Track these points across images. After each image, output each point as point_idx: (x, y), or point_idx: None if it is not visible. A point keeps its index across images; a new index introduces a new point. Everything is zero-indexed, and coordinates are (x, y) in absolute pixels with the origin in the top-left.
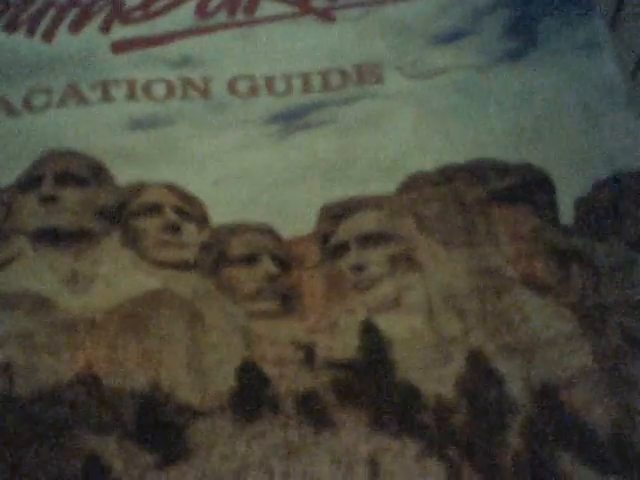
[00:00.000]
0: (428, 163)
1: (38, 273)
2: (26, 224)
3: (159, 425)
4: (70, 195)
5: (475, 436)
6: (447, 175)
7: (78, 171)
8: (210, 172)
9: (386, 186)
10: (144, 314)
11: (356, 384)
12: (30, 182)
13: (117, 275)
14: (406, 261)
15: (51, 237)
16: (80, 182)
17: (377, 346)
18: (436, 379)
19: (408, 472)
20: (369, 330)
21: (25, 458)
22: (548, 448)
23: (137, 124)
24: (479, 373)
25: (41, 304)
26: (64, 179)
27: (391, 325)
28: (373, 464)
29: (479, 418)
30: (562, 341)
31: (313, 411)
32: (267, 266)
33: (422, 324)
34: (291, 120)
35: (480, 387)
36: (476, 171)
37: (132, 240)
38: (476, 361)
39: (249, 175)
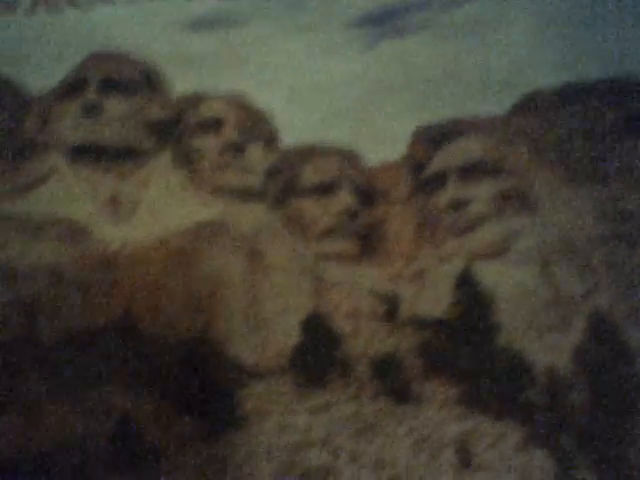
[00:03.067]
0: (549, 80)
1: (74, 196)
2: (64, 138)
3: (205, 386)
4: (117, 105)
5: (595, 421)
6: (572, 95)
7: (127, 77)
8: (283, 83)
9: (496, 107)
10: (194, 250)
11: (448, 349)
12: (71, 88)
13: (165, 202)
14: (517, 200)
15: (92, 154)
16: (129, 90)
17: (476, 303)
18: (550, 348)
19: (507, 464)
20: (467, 282)
21: (44, 412)
22: None
23: (199, 23)
24: (604, 343)
25: (75, 233)
26: (111, 86)
27: (495, 278)
28: (463, 451)
29: (602, 399)
30: None
31: (393, 380)
32: (345, 199)
33: (534, 278)
34: (382, 23)
35: (605, 360)
36: (610, 90)
37: (186, 161)
38: (601, 328)
39: (329, 88)
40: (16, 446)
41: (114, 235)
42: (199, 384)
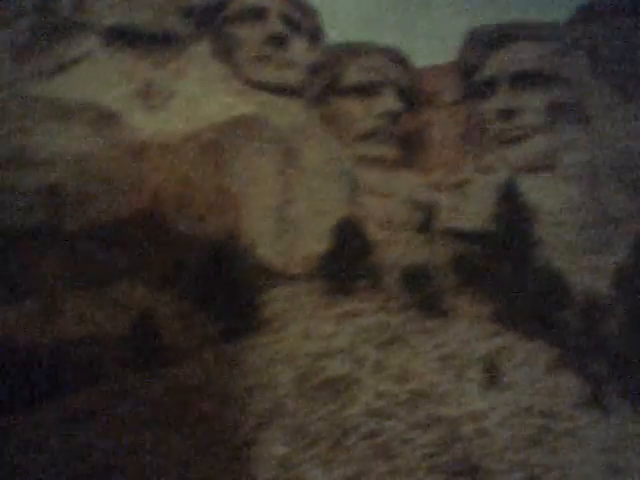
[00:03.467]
0: None
1: (106, 81)
2: (100, 19)
3: (229, 285)
4: None
5: (629, 348)
6: (635, 3)
7: None
8: None
9: (555, 12)
10: (228, 144)
11: (483, 263)
12: None
13: (201, 92)
14: (571, 112)
15: (128, 38)
16: None
17: (518, 218)
18: (590, 269)
19: (535, 384)
20: (510, 195)
21: (63, 303)
22: None
23: None
24: None
25: (105, 119)
26: None
27: (540, 192)
28: (491, 368)
29: (638, 327)
30: None
31: (423, 292)
32: (389, 100)
33: (581, 195)
34: None
35: None
36: None
37: (225, 51)
38: None
39: None
40: (33, 335)
41: (145, 124)
42: (223, 284)
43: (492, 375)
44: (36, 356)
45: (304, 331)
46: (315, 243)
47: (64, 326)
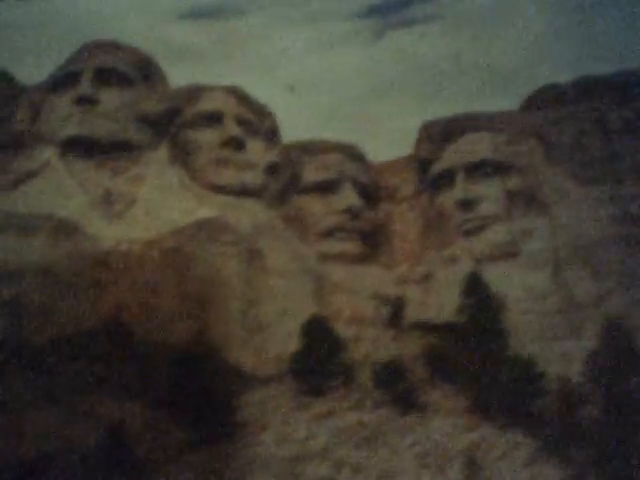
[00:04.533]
0: (562, 74)
1: (65, 192)
2: (56, 131)
3: (200, 393)
4: (111, 97)
5: (610, 436)
6: (586, 90)
7: (123, 68)
8: (284, 75)
9: (506, 101)
10: (191, 250)
11: (455, 356)
12: (64, 79)
13: (161, 199)
14: (528, 199)
15: (85, 148)
16: (124, 81)
17: (485, 308)
18: (561, 356)
19: (516, 477)
20: (475, 286)
21: (29, 420)
22: None
23: (198, 13)
24: (619, 351)
25: (65, 230)
26: (106, 77)
27: (505, 281)
28: (471, 464)
29: (616, 410)
30: None
31: (397, 388)
32: (349, 196)
33: (545, 282)
34: (388, 14)
35: (619, 369)
36: (624, 86)
37: (183, 156)
38: (615, 335)
39: (332, 81)
40: None
41: (107, 233)
42: (193, 391)
43: (471, 471)
44: (1, 477)
45: (279, 435)
46: (284, 343)
47: (31, 444)
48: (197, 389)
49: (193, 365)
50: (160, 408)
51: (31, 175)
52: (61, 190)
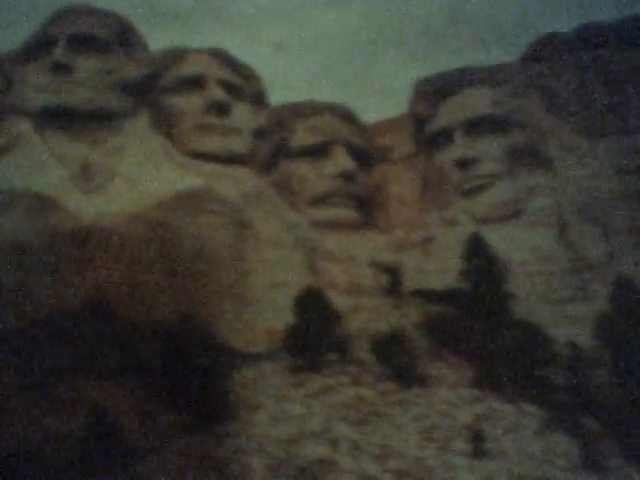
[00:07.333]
0: (563, 22)
1: (42, 165)
2: (31, 101)
3: (188, 374)
4: (88, 64)
5: (622, 400)
6: (589, 38)
7: (99, 33)
8: (270, 33)
9: (506, 53)
10: (176, 222)
11: (458, 324)
12: (38, 47)
13: (142, 170)
14: (531, 156)
15: (61, 119)
16: (101, 47)
17: (488, 271)
18: (570, 320)
19: (525, 450)
20: (477, 248)
21: (8, 409)
22: None
23: None
24: (629, 312)
25: (43, 206)
26: (81, 43)
27: (508, 242)
28: (477, 438)
29: (628, 375)
30: None
31: (397, 360)
32: (342, 160)
33: (551, 242)
34: None
35: (631, 332)
36: (630, 31)
37: (165, 124)
38: (626, 295)
39: (322, 38)
40: None
41: (86, 207)
42: (182, 372)
43: (479, 444)
44: None
45: (273, 415)
46: (277, 317)
47: (11, 434)
48: (186, 369)
49: (181, 344)
50: (147, 391)
51: (5, 149)
52: (37, 164)
